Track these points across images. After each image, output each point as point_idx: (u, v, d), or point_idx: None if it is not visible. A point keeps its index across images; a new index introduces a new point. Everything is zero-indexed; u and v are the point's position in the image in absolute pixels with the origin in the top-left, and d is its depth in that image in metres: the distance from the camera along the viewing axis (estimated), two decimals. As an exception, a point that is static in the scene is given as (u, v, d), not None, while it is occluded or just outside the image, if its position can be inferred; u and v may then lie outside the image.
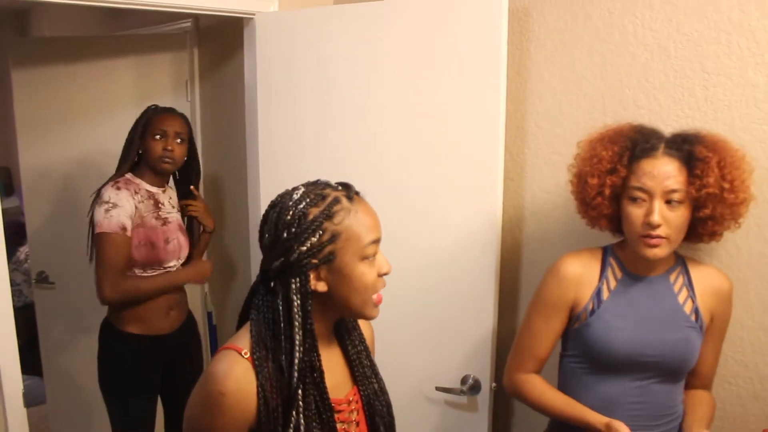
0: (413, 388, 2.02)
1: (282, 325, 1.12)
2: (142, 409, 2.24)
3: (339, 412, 1.19)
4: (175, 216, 2.29)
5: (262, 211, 1.17)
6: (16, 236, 4.02)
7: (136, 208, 2.13)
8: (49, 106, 2.87)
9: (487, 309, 1.90)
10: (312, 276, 1.12)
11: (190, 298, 2.42)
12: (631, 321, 1.44)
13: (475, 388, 1.93)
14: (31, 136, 2.91)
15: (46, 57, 2.85)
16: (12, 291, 1.84)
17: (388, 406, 1.29)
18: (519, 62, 1.91)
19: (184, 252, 2.31)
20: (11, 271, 2.13)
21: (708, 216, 1.37)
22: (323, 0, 2.37)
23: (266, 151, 2.22)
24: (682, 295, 1.46)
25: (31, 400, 1.92)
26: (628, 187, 1.40)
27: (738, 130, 1.53)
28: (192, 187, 2.39)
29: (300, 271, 1.10)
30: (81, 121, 2.85)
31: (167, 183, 2.32)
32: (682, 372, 1.47)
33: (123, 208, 2.09)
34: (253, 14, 2.18)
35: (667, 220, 1.35)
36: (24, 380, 1.86)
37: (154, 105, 2.27)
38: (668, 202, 1.35)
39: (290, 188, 1.16)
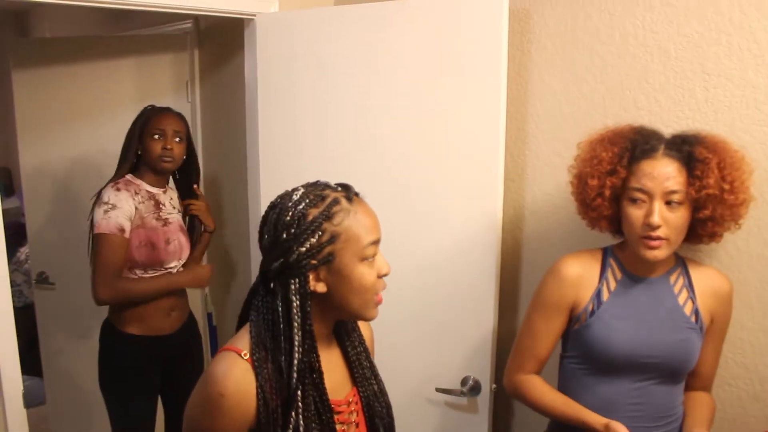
0: (413, 389, 2.02)
1: (281, 326, 1.11)
2: (142, 409, 2.24)
3: (338, 413, 1.19)
4: (176, 217, 2.29)
5: (263, 212, 1.17)
6: (16, 237, 4.02)
7: (136, 209, 2.13)
8: (50, 106, 2.87)
9: (487, 310, 1.90)
10: (311, 277, 1.12)
11: (190, 299, 2.42)
12: (631, 322, 1.44)
13: (475, 389, 1.93)
14: (31, 136, 2.92)
15: (47, 57, 2.86)
16: (12, 291, 1.84)
17: (388, 407, 1.28)
18: (519, 63, 1.91)
19: (185, 253, 2.31)
20: (11, 271, 2.13)
21: (708, 217, 1.37)
22: (324, 1, 2.37)
23: (266, 151, 2.22)
24: (682, 297, 1.46)
25: (31, 400, 1.92)
26: (628, 189, 1.40)
27: (738, 132, 1.53)
28: (195, 186, 2.39)
29: (299, 272, 1.10)
30: (81, 122, 2.85)
31: (167, 183, 2.32)
32: (682, 373, 1.47)
33: (122, 209, 2.09)
34: (254, 15, 2.18)
35: (667, 221, 1.35)
36: (24, 381, 1.86)
37: (150, 105, 2.27)
38: (668, 203, 1.35)
39: (290, 189, 1.16)
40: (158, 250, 2.17)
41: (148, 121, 2.19)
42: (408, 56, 1.94)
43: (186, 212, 2.38)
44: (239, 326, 1.20)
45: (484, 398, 1.94)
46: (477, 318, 1.91)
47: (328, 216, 1.11)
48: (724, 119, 1.55)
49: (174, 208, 2.31)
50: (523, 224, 1.97)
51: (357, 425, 1.23)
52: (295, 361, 1.10)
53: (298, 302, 1.11)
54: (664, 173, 1.35)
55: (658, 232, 1.35)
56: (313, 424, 1.13)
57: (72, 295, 2.88)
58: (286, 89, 2.15)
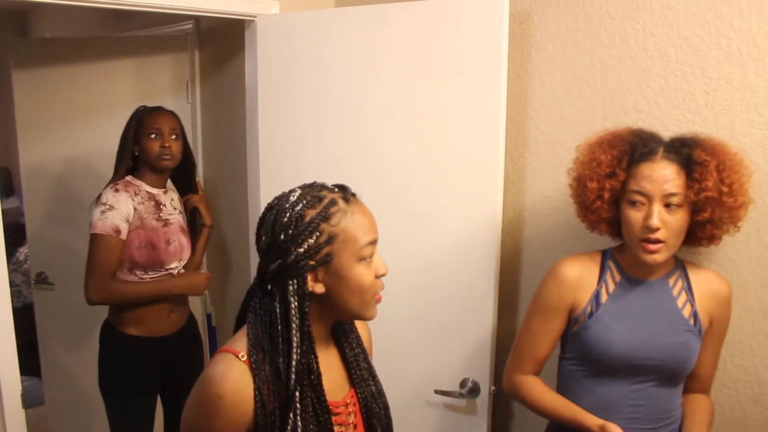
0: (412, 390, 2.02)
1: (279, 327, 1.11)
2: (141, 409, 2.24)
3: (336, 414, 1.18)
4: (177, 218, 2.29)
5: (262, 213, 1.17)
6: (15, 237, 4.02)
7: (135, 209, 2.13)
8: (50, 106, 2.87)
9: (486, 311, 1.90)
10: (309, 278, 1.12)
11: (190, 300, 2.42)
12: (629, 324, 1.44)
13: (474, 391, 1.93)
14: (31, 136, 2.92)
15: (47, 58, 2.86)
16: (11, 292, 1.85)
17: (386, 408, 1.28)
18: (520, 66, 1.91)
19: (186, 253, 2.31)
20: (11, 271, 2.14)
21: (707, 219, 1.37)
22: (324, 2, 2.37)
23: (267, 152, 2.22)
24: (681, 299, 1.46)
25: (30, 401, 1.92)
26: (627, 191, 1.40)
27: (738, 135, 1.53)
28: (198, 180, 2.40)
29: (297, 273, 1.10)
30: (81, 122, 2.86)
31: (167, 183, 2.32)
32: (680, 376, 1.47)
33: (119, 210, 2.09)
34: (255, 16, 2.18)
35: (666, 223, 1.35)
36: (23, 381, 1.86)
37: (142, 106, 2.28)
38: (667, 205, 1.35)
39: (286, 191, 1.16)
40: (158, 251, 2.17)
41: (142, 122, 2.20)
42: (408, 58, 1.94)
43: (187, 208, 2.38)
44: (237, 328, 1.20)
45: (483, 400, 1.94)
46: (476, 319, 1.91)
47: (325, 217, 1.11)
48: (724, 122, 1.56)
49: (175, 209, 2.31)
50: (522, 226, 1.97)
51: (355, 426, 1.23)
52: (294, 363, 1.10)
53: (296, 303, 1.11)
54: (663, 176, 1.35)
55: (657, 235, 1.35)
56: (311, 426, 1.12)
57: (71, 296, 2.87)
58: (286, 90, 2.15)
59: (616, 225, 1.48)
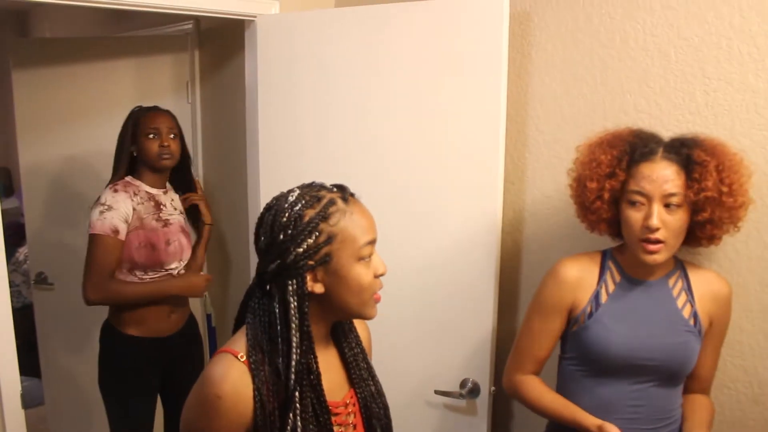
0: (412, 390, 2.02)
1: (279, 327, 1.11)
2: (141, 410, 2.24)
3: (336, 414, 1.18)
4: (177, 218, 2.29)
5: (262, 213, 1.17)
6: (15, 237, 4.02)
7: (134, 209, 2.13)
8: (50, 106, 2.87)
9: (486, 311, 1.89)
10: (309, 278, 1.12)
11: (190, 300, 2.41)
12: (629, 324, 1.44)
13: (474, 391, 1.93)
14: (31, 136, 2.92)
15: (47, 58, 2.86)
16: (11, 292, 1.84)
17: (386, 408, 1.28)
18: (520, 66, 1.91)
19: (186, 254, 2.31)
20: (10, 272, 2.13)
21: (707, 219, 1.37)
22: (324, 2, 2.37)
23: (267, 152, 2.22)
24: (681, 300, 1.46)
25: (30, 401, 1.92)
26: (627, 191, 1.40)
27: (738, 135, 1.53)
28: (197, 179, 2.40)
29: (296, 273, 1.10)
30: (81, 122, 2.86)
31: (167, 183, 2.32)
32: (680, 376, 1.47)
33: (117, 210, 2.09)
34: (255, 16, 2.18)
35: (666, 223, 1.35)
36: (22, 381, 1.86)
37: (138, 106, 2.27)
38: (667, 205, 1.35)
39: (285, 191, 1.16)
40: (158, 251, 2.17)
41: (139, 122, 2.20)
42: (408, 58, 1.94)
43: (186, 207, 2.38)
44: (236, 329, 1.20)
45: (483, 401, 1.93)
46: (476, 319, 1.91)
47: (324, 217, 1.11)
48: (724, 123, 1.56)
49: (176, 209, 2.31)
50: (522, 226, 1.97)
51: (354, 427, 1.23)
52: (293, 363, 1.10)
53: (295, 303, 1.11)
54: (662, 176, 1.35)
55: (657, 235, 1.35)
56: (311, 426, 1.12)
57: (71, 296, 2.86)
58: (286, 90, 2.15)
59: (615, 225, 1.48)
